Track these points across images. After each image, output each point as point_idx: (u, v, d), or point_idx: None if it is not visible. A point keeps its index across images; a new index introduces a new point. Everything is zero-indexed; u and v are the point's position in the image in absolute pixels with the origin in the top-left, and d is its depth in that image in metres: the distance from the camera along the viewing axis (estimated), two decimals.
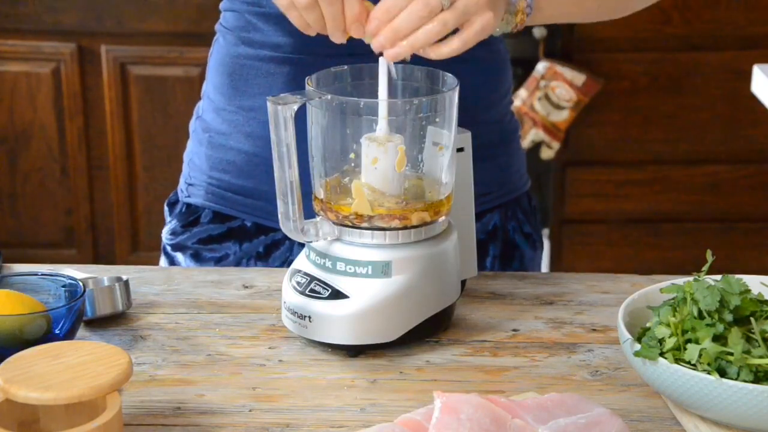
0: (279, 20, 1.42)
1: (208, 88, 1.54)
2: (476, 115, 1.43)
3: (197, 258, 1.52)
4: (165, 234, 1.57)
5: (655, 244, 3.29)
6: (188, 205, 1.54)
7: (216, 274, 1.40)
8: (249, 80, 1.47)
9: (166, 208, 1.58)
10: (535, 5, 1.28)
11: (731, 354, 1.04)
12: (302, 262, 1.24)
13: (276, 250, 1.51)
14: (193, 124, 1.57)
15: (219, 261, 1.51)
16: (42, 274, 1.22)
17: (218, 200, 1.52)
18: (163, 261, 1.56)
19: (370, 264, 1.19)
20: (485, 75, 1.48)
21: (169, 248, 1.55)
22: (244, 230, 1.52)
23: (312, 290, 1.20)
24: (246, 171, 1.49)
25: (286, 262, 1.49)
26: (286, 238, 1.49)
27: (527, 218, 1.54)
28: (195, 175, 1.54)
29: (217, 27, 1.53)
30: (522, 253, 1.53)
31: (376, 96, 1.19)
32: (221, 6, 1.52)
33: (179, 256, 1.53)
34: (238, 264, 1.50)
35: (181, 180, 1.58)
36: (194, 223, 1.54)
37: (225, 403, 1.12)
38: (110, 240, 3.32)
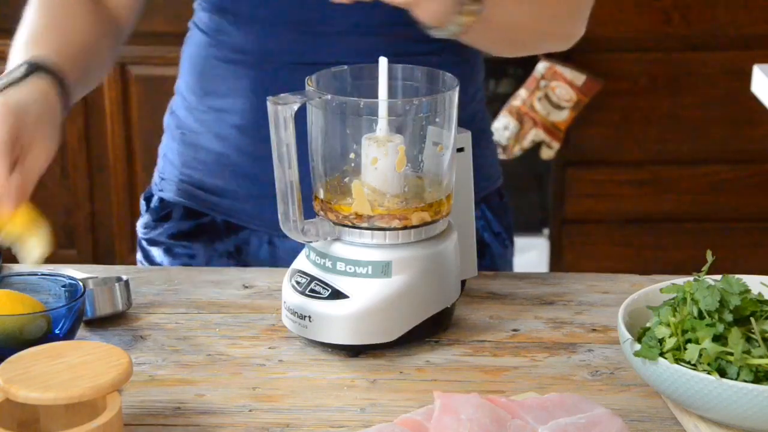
0: (245, 25, 1.43)
1: (180, 84, 1.56)
2: None
3: (170, 253, 1.54)
4: (139, 227, 1.58)
5: (655, 244, 3.29)
6: (161, 200, 1.56)
7: (216, 274, 1.40)
8: (218, 81, 1.48)
9: (142, 202, 1.59)
10: (484, 17, 1.28)
11: (731, 354, 1.04)
12: (302, 262, 1.24)
13: (247, 246, 1.52)
14: (167, 119, 1.59)
15: (191, 257, 1.52)
16: (42, 274, 1.22)
17: (189, 197, 1.53)
18: (139, 255, 1.59)
19: (370, 264, 1.19)
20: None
21: (144, 242, 1.57)
22: (214, 227, 1.53)
23: (312, 290, 1.21)
24: (215, 170, 1.50)
25: (257, 261, 1.51)
26: (254, 236, 1.51)
27: (496, 216, 1.55)
28: (168, 170, 1.56)
29: (190, 24, 1.54)
30: (492, 251, 1.54)
31: (376, 96, 1.19)
32: (195, 4, 1.52)
33: (154, 251, 1.55)
34: (208, 263, 1.51)
35: (155, 174, 1.59)
36: (166, 217, 1.55)
37: (225, 403, 1.12)
38: (110, 240, 3.32)
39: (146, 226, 1.57)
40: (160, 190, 1.56)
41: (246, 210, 1.50)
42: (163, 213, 1.55)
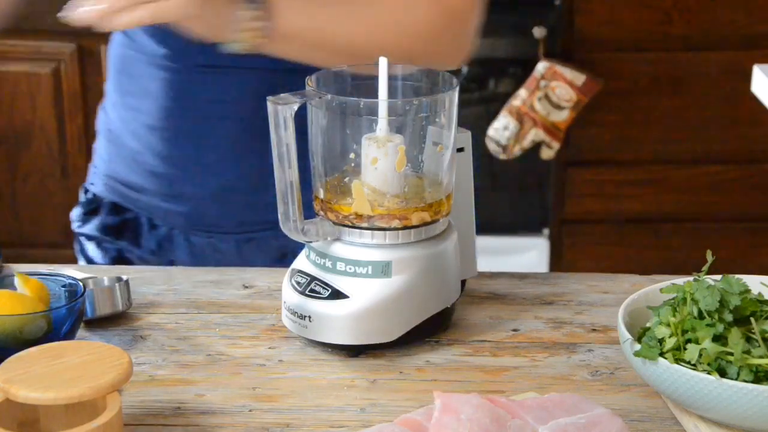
0: (154, 28, 1.45)
1: (108, 84, 1.60)
2: None
3: (101, 247, 1.58)
4: (74, 219, 1.62)
5: (655, 244, 3.29)
6: (92, 194, 1.61)
7: (216, 274, 1.40)
8: (133, 80, 1.52)
9: (80, 194, 1.63)
10: (276, 33, 1.29)
11: (731, 354, 1.04)
12: (302, 261, 1.24)
13: (169, 244, 1.55)
14: (98, 117, 1.63)
15: (119, 253, 1.56)
16: (42, 274, 1.22)
17: (114, 192, 1.58)
18: (76, 247, 1.62)
19: (370, 264, 1.19)
20: None
21: (81, 237, 1.60)
22: (138, 224, 1.56)
23: (312, 290, 1.20)
24: (133, 167, 1.54)
25: (180, 261, 1.54)
26: (173, 233, 1.53)
27: None
28: (98, 165, 1.61)
29: None
30: None
31: (376, 96, 1.19)
32: None
33: (88, 245, 1.59)
34: (131, 261, 1.55)
35: (90, 168, 1.64)
36: (95, 212, 1.59)
37: (225, 403, 1.12)
38: None
39: (79, 219, 1.61)
40: (92, 184, 1.61)
41: (160, 208, 1.54)
42: (92, 207, 1.60)
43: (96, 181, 1.60)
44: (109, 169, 1.58)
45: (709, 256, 1.13)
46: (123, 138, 1.55)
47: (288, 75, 1.41)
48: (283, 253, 1.52)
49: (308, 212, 1.21)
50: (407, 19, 1.37)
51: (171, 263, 1.54)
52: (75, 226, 1.61)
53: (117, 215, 1.58)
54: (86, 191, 1.62)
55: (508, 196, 3.34)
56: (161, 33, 1.45)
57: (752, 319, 1.06)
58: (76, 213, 1.62)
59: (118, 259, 1.57)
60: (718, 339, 1.05)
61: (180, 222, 1.54)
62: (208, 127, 1.48)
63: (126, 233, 1.57)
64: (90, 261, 1.58)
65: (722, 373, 1.03)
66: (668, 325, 1.08)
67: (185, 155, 1.50)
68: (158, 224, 1.55)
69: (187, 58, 1.46)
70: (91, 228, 1.59)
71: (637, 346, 1.07)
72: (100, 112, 1.62)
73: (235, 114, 1.47)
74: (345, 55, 1.32)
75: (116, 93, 1.56)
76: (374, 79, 1.20)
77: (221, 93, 1.46)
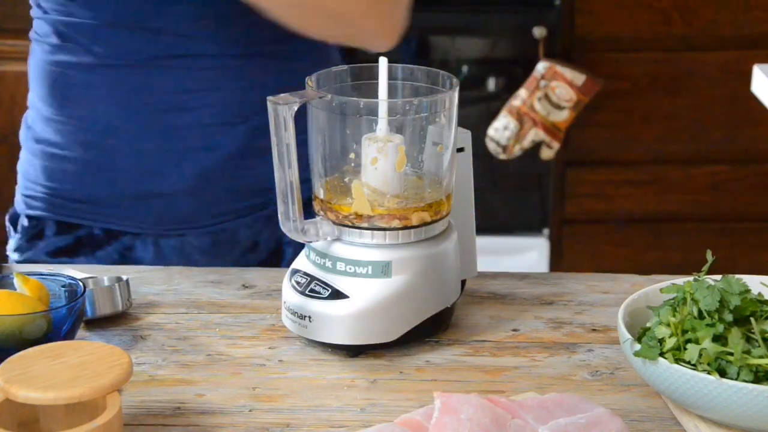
0: (91, 29, 1.42)
1: (32, 97, 1.52)
2: None
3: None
4: (11, 251, 1.54)
5: (655, 244, 3.29)
6: (30, 218, 1.52)
7: (216, 274, 1.40)
8: (73, 89, 1.46)
9: (8, 225, 1.55)
10: None
11: (731, 354, 1.04)
12: (302, 261, 1.24)
13: (131, 252, 1.51)
14: (23, 134, 1.55)
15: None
16: (42, 274, 1.22)
17: (60, 210, 1.50)
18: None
19: (370, 264, 1.19)
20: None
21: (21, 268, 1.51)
22: (93, 238, 1.50)
23: (312, 290, 1.20)
24: (85, 179, 1.48)
25: (138, 263, 1.50)
26: (137, 239, 1.50)
27: None
28: (32, 187, 1.52)
29: (30, 35, 1.51)
30: None
31: (376, 96, 1.19)
32: (32, 13, 1.50)
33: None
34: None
35: (18, 193, 1.54)
36: (39, 236, 1.51)
37: (225, 403, 1.12)
38: None
39: (19, 249, 1.53)
40: (29, 208, 1.52)
41: (127, 214, 1.49)
42: (34, 232, 1.52)
43: (33, 205, 1.51)
44: (49, 189, 1.49)
45: (709, 256, 1.13)
46: (67, 152, 1.47)
47: (248, 60, 1.41)
48: (255, 242, 1.51)
49: (308, 212, 1.22)
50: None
51: None
52: (15, 258, 1.52)
53: (67, 234, 1.50)
54: (16, 219, 1.53)
55: (508, 196, 3.34)
56: (103, 32, 1.42)
57: (752, 319, 1.06)
58: (14, 245, 1.53)
59: None
60: (718, 339, 1.05)
61: (148, 224, 1.49)
62: (174, 118, 1.44)
63: (80, 250, 1.50)
64: None
65: (722, 373, 1.03)
66: (668, 325, 1.08)
67: (155, 150, 1.45)
68: (118, 233, 1.49)
69: (136, 53, 1.42)
70: (36, 253, 1.51)
71: (637, 346, 1.07)
72: (24, 131, 1.54)
73: (202, 102, 1.44)
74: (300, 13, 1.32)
75: (50, 107, 1.48)
76: (374, 79, 1.20)
77: (183, 83, 1.43)
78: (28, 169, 1.53)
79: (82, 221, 1.50)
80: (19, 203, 1.54)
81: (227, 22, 1.42)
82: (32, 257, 1.51)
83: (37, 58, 1.49)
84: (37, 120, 1.51)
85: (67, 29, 1.45)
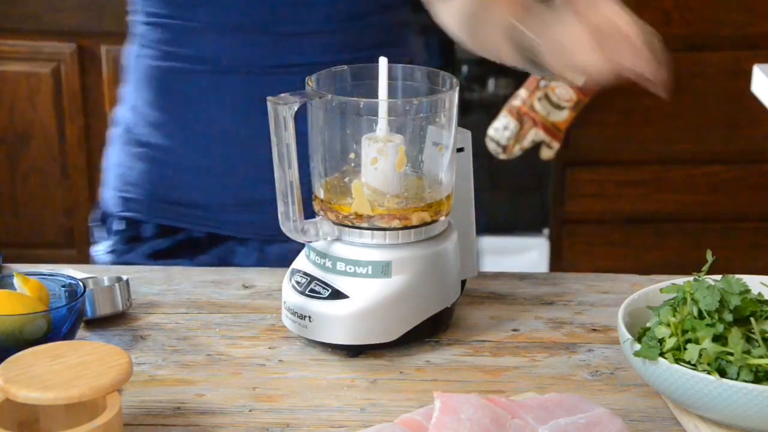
0: (203, 34, 1.41)
1: (135, 102, 1.50)
2: None
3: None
4: (103, 254, 1.52)
5: (655, 244, 3.29)
6: (126, 220, 1.51)
7: (216, 274, 1.40)
8: (187, 95, 1.45)
9: (93, 227, 1.54)
10: None
11: (731, 354, 1.04)
12: (302, 261, 1.24)
13: (232, 256, 1.50)
14: (120, 137, 1.52)
15: None
16: (42, 274, 1.22)
17: (163, 213, 1.49)
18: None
19: (370, 264, 1.19)
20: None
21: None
22: (193, 242, 1.50)
23: (312, 290, 1.20)
24: (195, 184, 1.47)
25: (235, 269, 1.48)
26: (241, 245, 1.49)
27: None
28: (132, 189, 1.50)
29: (132, 39, 1.49)
30: None
31: (376, 96, 1.19)
32: (134, 18, 1.48)
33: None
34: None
35: (110, 194, 1.53)
36: (136, 239, 1.51)
37: (225, 403, 1.12)
38: None
39: (114, 251, 1.52)
40: (126, 210, 1.51)
41: (235, 220, 1.48)
42: (131, 234, 1.51)
43: (133, 208, 1.50)
44: (153, 193, 1.49)
45: (709, 256, 1.13)
46: (176, 157, 1.46)
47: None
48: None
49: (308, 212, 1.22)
50: None
51: None
52: (107, 260, 1.50)
53: (167, 237, 1.50)
54: (106, 220, 1.52)
55: (508, 196, 3.34)
56: (226, 39, 1.41)
57: (752, 319, 1.06)
58: (108, 247, 1.51)
59: None
60: (718, 339, 1.05)
61: (255, 231, 1.48)
62: None
63: (180, 254, 1.50)
64: None
65: (722, 373, 1.03)
66: (668, 325, 1.08)
67: (270, 158, 1.45)
68: (222, 238, 1.49)
69: (260, 60, 1.42)
70: (135, 256, 1.50)
71: (637, 346, 1.07)
72: (122, 134, 1.51)
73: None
74: None
75: (158, 111, 1.47)
76: (374, 79, 1.20)
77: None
78: (126, 171, 1.51)
79: (187, 225, 1.49)
80: (112, 204, 1.53)
81: (348, 26, 1.42)
82: (131, 260, 1.50)
83: (145, 64, 1.47)
84: (140, 124, 1.49)
85: (183, 36, 1.43)
